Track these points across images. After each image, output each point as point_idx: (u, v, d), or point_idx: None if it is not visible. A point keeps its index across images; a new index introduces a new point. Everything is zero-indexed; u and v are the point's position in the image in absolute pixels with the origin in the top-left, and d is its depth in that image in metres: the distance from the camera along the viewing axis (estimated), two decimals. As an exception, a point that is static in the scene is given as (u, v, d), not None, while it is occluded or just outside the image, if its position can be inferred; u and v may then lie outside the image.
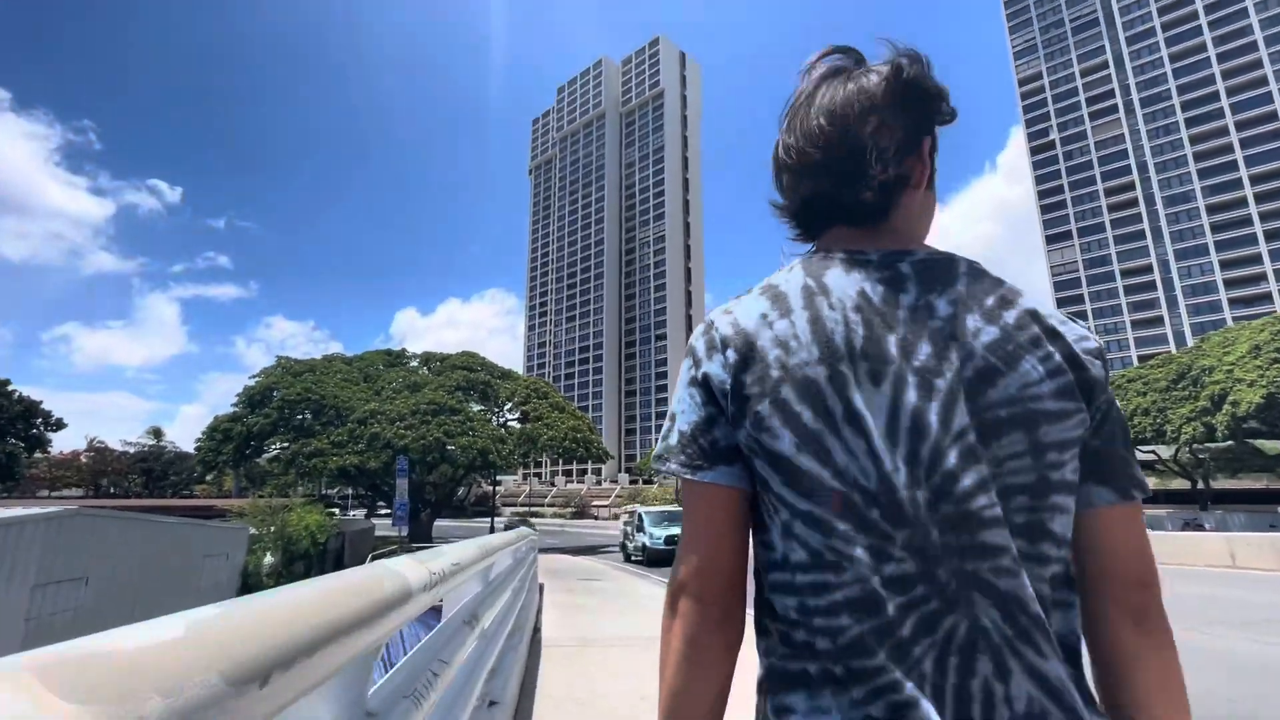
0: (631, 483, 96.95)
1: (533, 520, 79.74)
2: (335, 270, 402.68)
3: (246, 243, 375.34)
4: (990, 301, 0.70)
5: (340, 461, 28.53)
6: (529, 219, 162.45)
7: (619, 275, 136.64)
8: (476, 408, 33.90)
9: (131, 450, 70.68)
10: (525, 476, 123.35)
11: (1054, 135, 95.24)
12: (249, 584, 19.66)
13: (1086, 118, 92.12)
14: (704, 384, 0.74)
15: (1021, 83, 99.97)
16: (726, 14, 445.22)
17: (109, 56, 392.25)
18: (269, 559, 20.71)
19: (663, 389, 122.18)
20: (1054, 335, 0.68)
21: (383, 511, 51.22)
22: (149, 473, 65.93)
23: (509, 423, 35.86)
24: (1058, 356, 0.67)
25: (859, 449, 0.65)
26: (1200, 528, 28.93)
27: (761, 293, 0.77)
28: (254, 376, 32.48)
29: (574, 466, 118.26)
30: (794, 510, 0.68)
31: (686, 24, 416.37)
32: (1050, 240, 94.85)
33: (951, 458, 0.64)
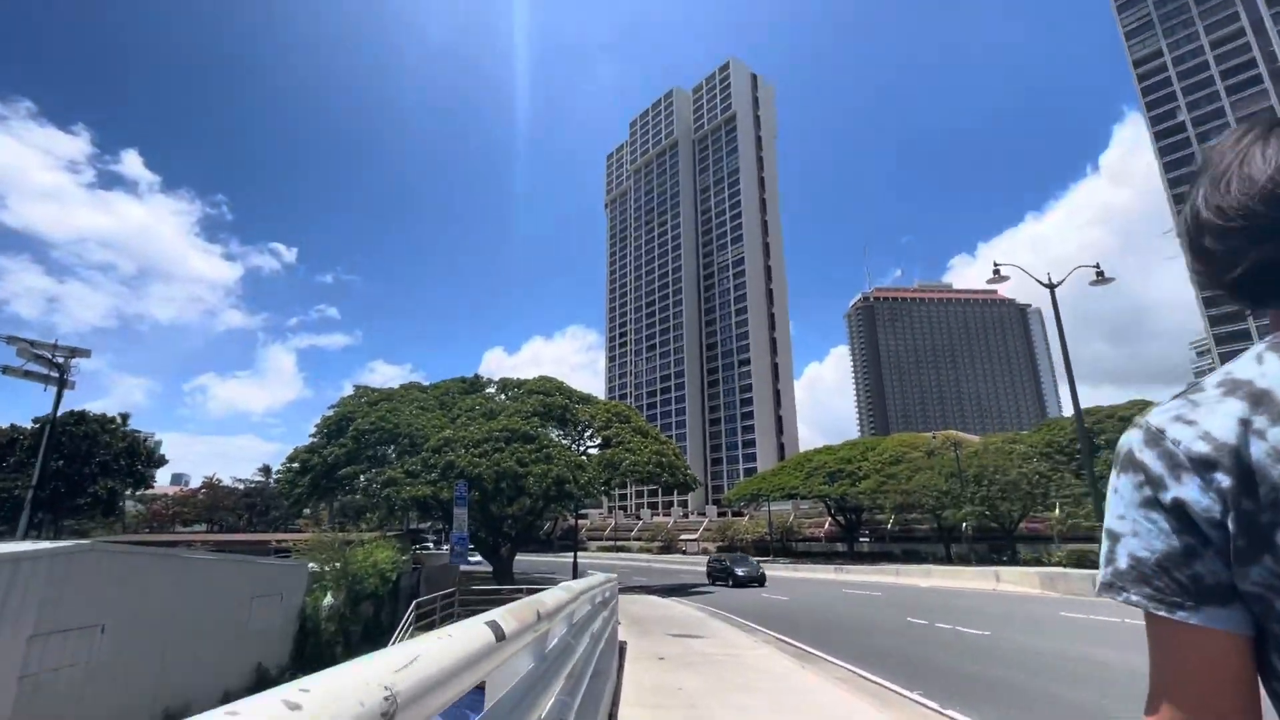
0: (720, 515, 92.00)
1: (618, 553, 76.79)
2: (429, 316, 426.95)
3: (352, 294, 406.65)
4: None
5: (414, 491, 26.90)
6: (605, 253, 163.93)
7: (698, 303, 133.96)
8: (554, 434, 31.68)
9: (241, 487, 74.23)
10: (610, 510, 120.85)
11: (1183, 116, 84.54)
12: (306, 628, 17.78)
13: (1223, 93, 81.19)
14: (1174, 510, 0.61)
15: (1137, 64, 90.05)
16: (800, 30, 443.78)
17: (237, 134, 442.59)
18: (329, 599, 18.84)
19: (748, 415, 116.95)
20: None
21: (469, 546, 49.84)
22: (252, 508, 68.78)
23: (588, 450, 33.40)
24: None
25: None
26: None
27: (1228, 392, 0.61)
28: (332, 407, 31.94)
29: (659, 499, 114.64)
30: None
31: (759, 44, 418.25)
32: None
33: None
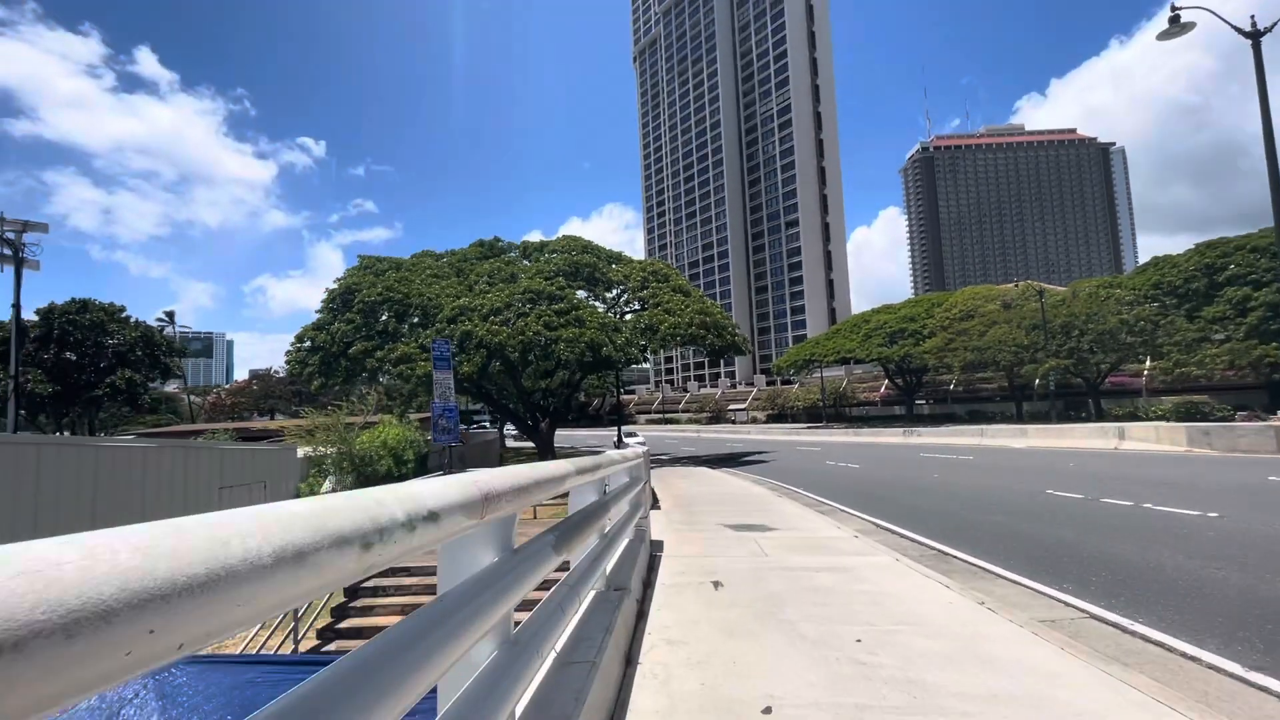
0: (769, 384, 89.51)
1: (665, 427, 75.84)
2: (464, 205, 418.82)
3: (386, 186, 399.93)
4: None
5: (429, 367, 24.09)
6: (637, 117, 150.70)
7: (740, 162, 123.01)
8: (582, 294, 28.02)
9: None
10: (657, 384, 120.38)
11: None
12: (303, 517, 15.57)
13: None
14: None
15: None
16: None
17: (242, 21, 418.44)
18: (327, 484, 16.52)
19: (796, 281, 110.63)
20: None
21: (507, 425, 49.01)
22: (298, 394, 69.81)
23: (624, 315, 29.76)
24: None
25: None
26: None
27: None
28: (338, 280, 28.86)
29: (706, 371, 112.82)
30: None
31: None
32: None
33: None
